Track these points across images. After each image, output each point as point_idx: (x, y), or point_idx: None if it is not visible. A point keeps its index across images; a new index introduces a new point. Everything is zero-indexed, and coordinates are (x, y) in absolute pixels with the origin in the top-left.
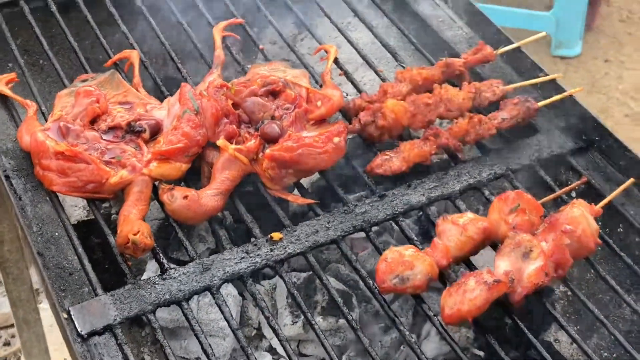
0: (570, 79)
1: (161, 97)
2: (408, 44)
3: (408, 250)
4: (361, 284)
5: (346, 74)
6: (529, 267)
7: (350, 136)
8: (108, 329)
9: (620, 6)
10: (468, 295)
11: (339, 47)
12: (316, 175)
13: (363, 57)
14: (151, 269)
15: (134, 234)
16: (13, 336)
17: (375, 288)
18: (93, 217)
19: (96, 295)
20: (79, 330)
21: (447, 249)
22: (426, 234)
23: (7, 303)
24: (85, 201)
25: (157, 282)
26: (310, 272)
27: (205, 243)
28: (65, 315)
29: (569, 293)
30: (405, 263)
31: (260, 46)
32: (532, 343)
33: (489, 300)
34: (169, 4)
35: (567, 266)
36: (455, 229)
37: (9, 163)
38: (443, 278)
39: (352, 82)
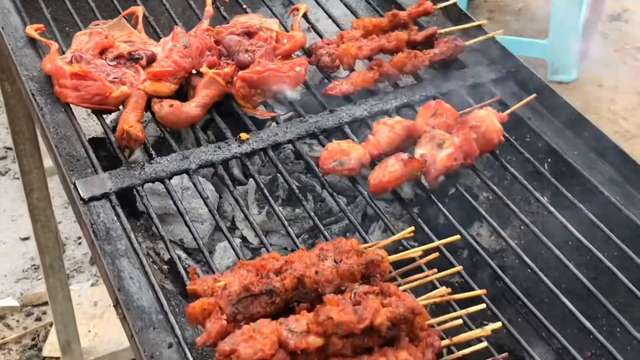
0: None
1: None
2: (373, 13)
3: (346, 143)
4: (317, 188)
5: (313, 27)
6: (441, 154)
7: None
8: (105, 195)
9: (616, 38)
10: (389, 169)
11: (318, 20)
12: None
13: (338, 26)
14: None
15: (129, 127)
16: (44, 313)
17: (323, 176)
18: (102, 135)
19: (97, 173)
20: (82, 195)
21: (378, 143)
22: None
23: (41, 285)
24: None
25: (145, 165)
26: (274, 175)
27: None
28: (72, 186)
29: (491, 197)
30: (343, 151)
31: (244, 6)
32: (460, 232)
33: (405, 174)
34: None
35: (474, 156)
36: (386, 128)
37: (35, 85)
38: (374, 165)
39: (317, 33)
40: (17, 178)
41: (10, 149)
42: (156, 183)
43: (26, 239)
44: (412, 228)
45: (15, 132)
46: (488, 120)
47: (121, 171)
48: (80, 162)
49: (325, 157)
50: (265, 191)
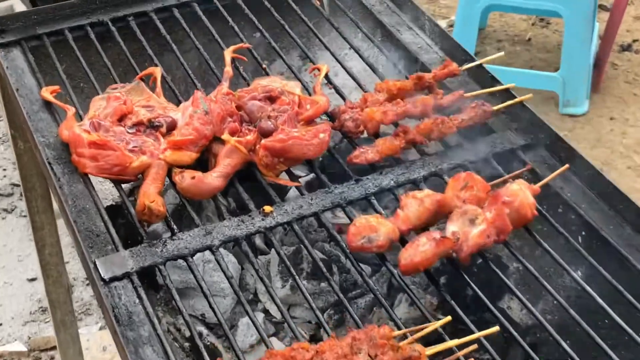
0: (577, 135)
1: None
2: (394, 70)
3: (374, 218)
4: (342, 258)
5: (335, 88)
6: (474, 230)
7: (340, 143)
8: (126, 275)
9: (627, 69)
10: (420, 249)
11: (336, 75)
12: (311, 176)
13: (353, 78)
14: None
15: (150, 202)
16: (52, 358)
17: (350, 253)
18: (119, 201)
19: (117, 251)
20: (102, 276)
21: (408, 217)
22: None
23: (49, 328)
24: (112, 196)
25: (167, 242)
26: (297, 246)
27: (211, 222)
28: (92, 265)
29: (521, 268)
30: (372, 227)
31: (263, 65)
32: (489, 308)
33: (437, 253)
34: (191, 37)
35: (507, 232)
36: (415, 202)
37: (51, 153)
38: (404, 241)
39: (340, 94)
40: (24, 216)
41: (17, 185)
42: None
43: (33, 279)
44: (449, 319)
45: (28, 190)
46: (521, 194)
47: (142, 248)
48: (100, 238)
49: (353, 233)
50: (289, 265)
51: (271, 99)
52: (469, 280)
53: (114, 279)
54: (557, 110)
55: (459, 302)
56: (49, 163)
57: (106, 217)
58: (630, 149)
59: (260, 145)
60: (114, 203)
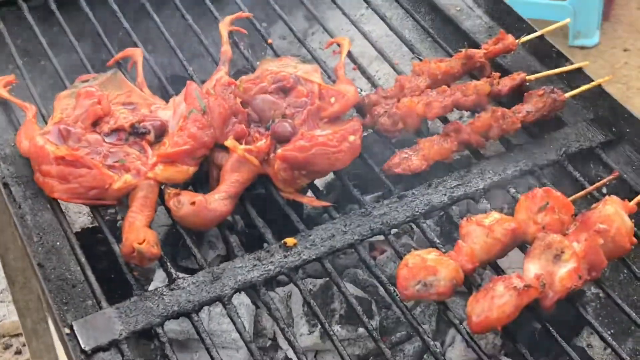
0: (589, 70)
1: (166, 97)
2: (424, 36)
3: (431, 254)
4: (381, 289)
5: (360, 67)
6: (561, 270)
7: (365, 133)
8: (114, 344)
9: None
10: (497, 301)
11: (352, 41)
12: (330, 175)
13: (378, 50)
14: (159, 278)
15: (140, 243)
16: (24, 345)
17: (397, 295)
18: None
19: (100, 308)
20: (82, 346)
21: (473, 252)
22: (448, 235)
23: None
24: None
25: (164, 293)
26: (327, 279)
27: (215, 250)
28: (68, 331)
29: (602, 295)
30: (428, 268)
31: (269, 40)
32: (564, 349)
33: (519, 307)
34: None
35: (601, 267)
36: (481, 231)
37: (8, 169)
38: (468, 282)
39: (367, 77)
40: None
41: None
42: None
43: None
44: None
45: None
46: (617, 220)
47: (133, 304)
48: (77, 290)
49: (405, 277)
50: (317, 311)
51: (284, 89)
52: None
53: (98, 349)
54: (565, 43)
55: (527, 341)
56: (5, 184)
57: (83, 259)
58: None
59: (276, 155)
60: (87, 226)
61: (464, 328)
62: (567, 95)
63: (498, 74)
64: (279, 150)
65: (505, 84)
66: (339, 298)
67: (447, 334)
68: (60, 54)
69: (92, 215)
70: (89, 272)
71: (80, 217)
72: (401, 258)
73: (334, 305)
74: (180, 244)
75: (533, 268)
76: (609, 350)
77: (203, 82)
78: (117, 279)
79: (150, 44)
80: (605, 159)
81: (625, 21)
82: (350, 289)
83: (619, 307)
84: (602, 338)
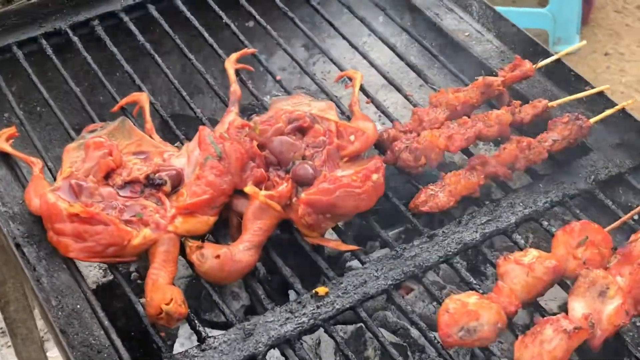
0: None
1: (170, 136)
2: (431, 62)
3: (471, 298)
4: (413, 331)
5: (374, 101)
6: (608, 308)
7: None
8: None
9: None
10: (546, 346)
11: (354, 68)
12: None
13: (389, 81)
14: (183, 334)
15: (167, 304)
16: None
17: (438, 343)
18: (112, 277)
19: None
20: None
21: (514, 293)
22: (474, 270)
23: (10, 353)
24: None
25: (196, 355)
26: (359, 325)
27: (239, 300)
28: None
29: (638, 323)
30: (470, 313)
31: (277, 77)
32: None
33: (569, 351)
34: (171, 34)
35: None
36: (520, 270)
37: (18, 229)
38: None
39: (382, 110)
40: None
41: None
42: None
43: None
44: None
45: None
46: None
47: None
48: (103, 356)
49: (447, 324)
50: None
51: (301, 130)
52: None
53: None
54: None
55: None
56: (17, 245)
57: (106, 322)
58: (631, 87)
59: (300, 200)
60: (100, 282)
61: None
62: (592, 120)
63: (519, 102)
64: (303, 195)
65: (527, 112)
66: (372, 345)
67: None
68: (58, 99)
69: (103, 269)
70: (114, 336)
71: (91, 270)
72: (437, 300)
73: (368, 352)
74: (202, 296)
75: (578, 307)
76: None
77: (209, 120)
78: (139, 338)
79: (148, 83)
80: (635, 184)
81: (604, 25)
82: (385, 335)
83: None
84: None
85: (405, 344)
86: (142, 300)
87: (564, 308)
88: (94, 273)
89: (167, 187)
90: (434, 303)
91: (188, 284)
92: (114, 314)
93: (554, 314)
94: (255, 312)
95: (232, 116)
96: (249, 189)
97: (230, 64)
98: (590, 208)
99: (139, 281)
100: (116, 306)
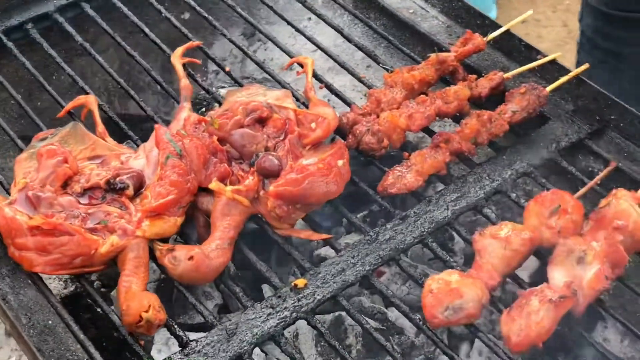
0: None
1: (120, 135)
2: (377, 42)
3: (452, 276)
4: (390, 314)
5: (327, 86)
6: (587, 274)
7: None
8: None
9: None
10: (534, 317)
11: (300, 53)
12: None
13: (341, 65)
14: (160, 340)
15: (146, 311)
16: None
17: (424, 324)
18: (73, 289)
19: None
20: None
21: (493, 267)
22: (443, 248)
23: None
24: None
25: None
26: (336, 314)
27: (212, 300)
28: None
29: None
30: (454, 291)
31: (227, 68)
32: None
33: (556, 320)
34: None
35: (623, 264)
36: (498, 244)
37: None
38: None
39: (336, 94)
40: None
41: None
42: None
43: None
44: None
45: None
46: (634, 214)
47: None
48: None
49: (431, 304)
50: (343, 352)
51: (260, 120)
52: None
53: None
54: None
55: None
56: None
57: (82, 336)
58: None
59: (268, 192)
60: (62, 293)
61: (502, 349)
62: (549, 89)
63: (474, 76)
64: (271, 187)
65: (484, 85)
66: (353, 332)
67: (460, 348)
68: None
69: (63, 280)
70: (92, 349)
71: (51, 283)
72: (416, 281)
73: (349, 340)
74: (174, 299)
75: (559, 275)
76: (626, 343)
77: (159, 116)
78: (109, 347)
79: (85, 84)
80: (596, 149)
81: None
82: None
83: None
84: (627, 327)
85: (384, 328)
86: (113, 308)
87: (535, 277)
88: (54, 285)
89: (130, 191)
90: (407, 284)
91: (157, 288)
92: (83, 326)
93: (530, 285)
94: (229, 310)
95: (186, 112)
96: (214, 185)
97: (177, 59)
98: (551, 176)
99: (102, 289)
100: (84, 317)
